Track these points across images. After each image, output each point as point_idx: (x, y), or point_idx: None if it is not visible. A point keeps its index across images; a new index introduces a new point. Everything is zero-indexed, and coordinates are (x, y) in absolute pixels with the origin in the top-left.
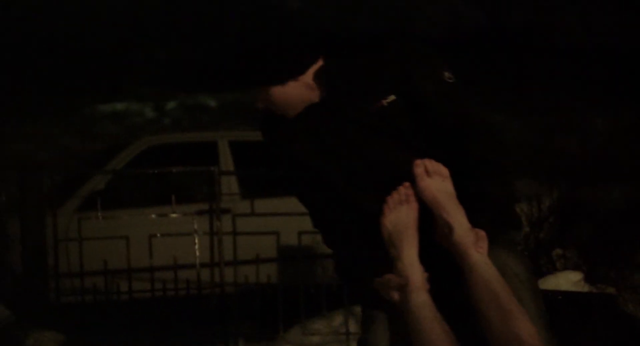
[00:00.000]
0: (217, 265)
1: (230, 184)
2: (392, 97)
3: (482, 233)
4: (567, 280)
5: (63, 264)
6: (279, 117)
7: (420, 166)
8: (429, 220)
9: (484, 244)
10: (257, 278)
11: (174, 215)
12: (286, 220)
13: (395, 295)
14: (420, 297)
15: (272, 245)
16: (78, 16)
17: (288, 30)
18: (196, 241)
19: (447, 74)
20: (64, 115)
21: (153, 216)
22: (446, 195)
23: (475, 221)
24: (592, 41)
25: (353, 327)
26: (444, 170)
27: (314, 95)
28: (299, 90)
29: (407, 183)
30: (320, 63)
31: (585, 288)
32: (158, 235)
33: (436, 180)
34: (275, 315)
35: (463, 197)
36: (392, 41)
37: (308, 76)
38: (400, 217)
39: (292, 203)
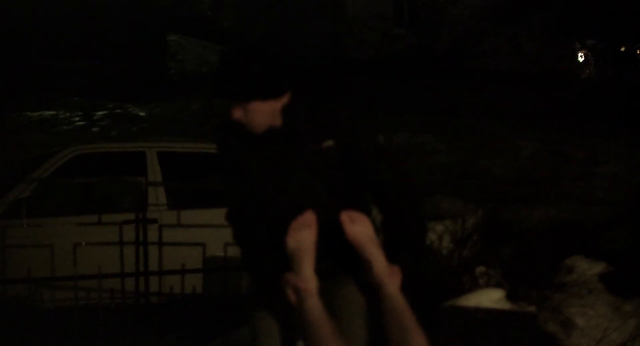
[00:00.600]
0: (142, 275)
1: (157, 195)
2: (330, 143)
3: (397, 268)
4: (489, 298)
5: None
6: (242, 129)
7: (346, 215)
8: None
9: (397, 277)
10: (182, 288)
11: (98, 225)
12: (213, 232)
13: (293, 298)
14: (313, 301)
15: (198, 256)
16: (8, 21)
17: (277, 55)
18: (121, 251)
19: (381, 136)
20: None
21: (78, 225)
22: (368, 238)
23: (392, 258)
24: (520, 65)
25: None
26: (365, 218)
27: (276, 121)
28: (269, 112)
29: (310, 211)
30: (289, 96)
31: (506, 306)
32: (83, 243)
33: (359, 226)
34: (199, 325)
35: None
36: (344, 103)
37: (280, 102)
38: (302, 237)
39: (219, 215)
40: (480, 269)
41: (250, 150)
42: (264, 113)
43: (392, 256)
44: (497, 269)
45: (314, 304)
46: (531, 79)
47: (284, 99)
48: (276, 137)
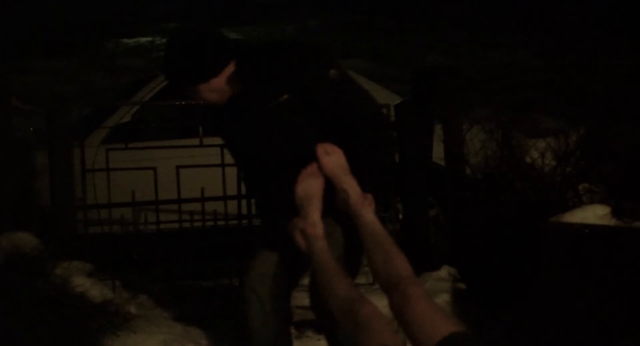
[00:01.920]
0: (244, 197)
1: None
2: (285, 96)
3: (369, 196)
4: (594, 214)
5: (90, 195)
6: (213, 107)
7: (321, 147)
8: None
9: (372, 204)
10: None
11: (200, 147)
12: None
13: (302, 241)
14: (320, 244)
15: None
16: None
17: (203, 41)
18: (223, 173)
19: (332, 72)
20: (88, 49)
21: (180, 147)
22: (342, 169)
23: (364, 187)
24: None
25: None
26: (338, 150)
27: (234, 90)
28: (218, 88)
29: (315, 163)
30: (232, 66)
31: (612, 222)
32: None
33: (333, 158)
34: None
35: (354, 169)
36: (287, 48)
37: (223, 76)
38: (309, 186)
39: None
40: (583, 186)
41: (225, 122)
42: (214, 90)
43: (363, 184)
44: (600, 186)
45: (321, 246)
46: None
47: (227, 72)
48: (239, 105)
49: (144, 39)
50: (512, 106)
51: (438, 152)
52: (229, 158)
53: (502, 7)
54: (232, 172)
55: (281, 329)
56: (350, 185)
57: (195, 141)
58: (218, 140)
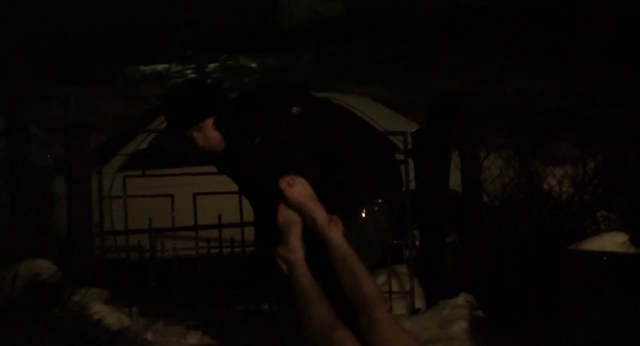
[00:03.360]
0: None
1: None
2: (258, 139)
3: (335, 217)
4: (613, 241)
5: (107, 222)
6: (206, 153)
7: (283, 181)
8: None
9: (338, 226)
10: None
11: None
12: None
13: (284, 267)
14: (300, 269)
15: None
16: None
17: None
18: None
19: (294, 109)
20: (106, 77)
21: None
22: (307, 197)
23: (330, 208)
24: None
25: (395, 286)
26: (301, 180)
27: (219, 138)
28: (210, 135)
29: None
30: (212, 118)
31: (630, 249)
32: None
33: (297, 188)
34: None
35: (323, 193)
36: (255, 97)
37: (209, 124)
38: (287, 215)
39: None
40: (601, 213)
41: (219, 164)
42: (204, 137)
43: (329, 207)
44: (618, 213)
45: (301, 272)
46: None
47: (209, 122)
48: (226, 149)
49: (160, 66)
50: (530, 133)
51: (455, 179)
52: None
53: (520, 35)
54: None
55: None
56: (315, 211)
57: (213, 168)
58: None
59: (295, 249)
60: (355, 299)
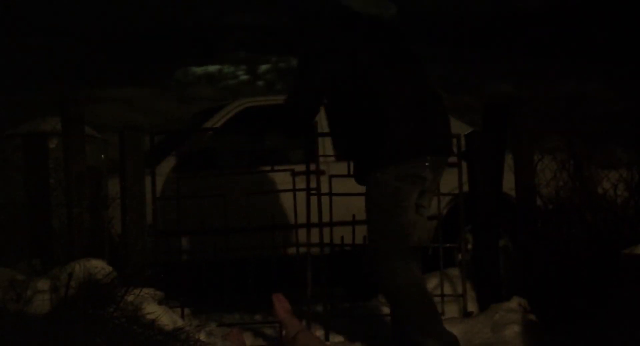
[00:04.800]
0: (314, 226)
1: (324, 146)
2: None
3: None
4: None
5: (161, 223)
6: None
7: (275, 297)
8: None
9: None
10: (353, 239)
11: (270, 174)
12: None
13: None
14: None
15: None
16: None
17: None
18: (294, 202)
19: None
20: (158, 78)
21: (250, 176)
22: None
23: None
24: None
25: (447, 289)
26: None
27: None
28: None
29: None
30: None
31: None
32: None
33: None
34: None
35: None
36: None
37: None
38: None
39: None
40: None
41: None
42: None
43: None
44: None
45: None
46: None
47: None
48: None
49: (212, 68)
50: (585, 137)
51: (509, 182)
52: (299, 184)
53: (574, 36)
54: (302, 199)
55: None
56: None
57: (266, 169)
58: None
59: (297, 332)
60: None
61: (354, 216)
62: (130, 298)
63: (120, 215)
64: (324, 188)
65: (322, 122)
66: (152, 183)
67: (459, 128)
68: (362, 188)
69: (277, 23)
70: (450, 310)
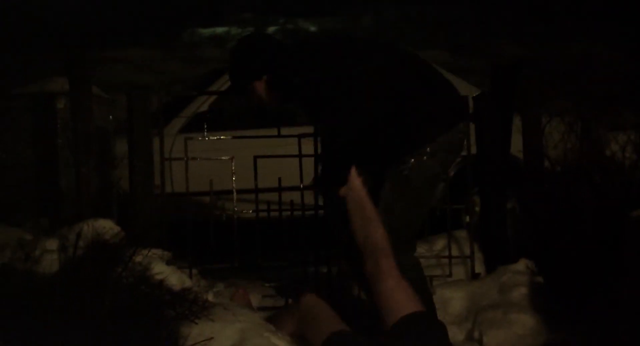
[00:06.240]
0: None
1: None
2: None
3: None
4: None
5: (168, 184)
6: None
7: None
8: None
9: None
10: None
11: (277, 137)
12: None
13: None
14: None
15: None
16: None
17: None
18: (300, 164)
19: (295, 79)
20: (166, 39)
21: (257, 137)
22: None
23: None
24: None
25: (455, 251)
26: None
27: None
28: (263, 91)
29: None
30: (264, 78)
31: None
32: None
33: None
34: None
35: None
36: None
37: (262, 83)
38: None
39: None
40: None
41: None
42: (261, 93)
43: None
44: None
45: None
46: None
47: (264, 79)
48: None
49: (220, 29)
50: (593, 99)
51: (516, 144)
52: (306, 149)
53: None
54: (309, 162)
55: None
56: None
57: (273, 131)
58: (295, 130)
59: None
60: (365, 244)
61: None
62: (138, 258)
63: (128, 176)
64: None
65: None
66: (160, 144)
67: (466, 89)
68: None
69: None
70: (458, 272)
